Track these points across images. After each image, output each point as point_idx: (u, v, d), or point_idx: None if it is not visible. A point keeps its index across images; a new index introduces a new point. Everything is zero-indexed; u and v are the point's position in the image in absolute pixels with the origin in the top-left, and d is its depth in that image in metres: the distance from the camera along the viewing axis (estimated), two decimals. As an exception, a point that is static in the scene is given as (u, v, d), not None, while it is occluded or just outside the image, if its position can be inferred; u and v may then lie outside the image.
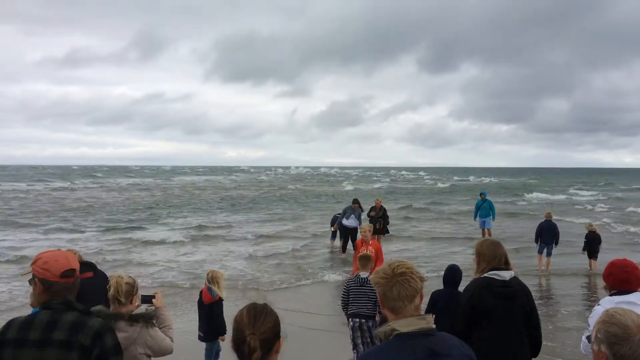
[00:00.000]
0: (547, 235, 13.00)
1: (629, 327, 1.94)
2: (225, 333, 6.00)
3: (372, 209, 15.39)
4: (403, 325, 2.14)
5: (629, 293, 3.44)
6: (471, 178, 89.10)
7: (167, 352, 3.60)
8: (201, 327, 6.12)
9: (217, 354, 6.14)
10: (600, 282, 11.16)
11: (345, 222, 14.62)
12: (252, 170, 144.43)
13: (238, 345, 2.06)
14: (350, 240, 14.48)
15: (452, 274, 5.40)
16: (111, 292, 3.54)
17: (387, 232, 15.50)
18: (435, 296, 5.33)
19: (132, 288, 3.58)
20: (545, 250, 13.06)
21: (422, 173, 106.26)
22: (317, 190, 53.37)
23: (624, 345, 1.92)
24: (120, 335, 3.32)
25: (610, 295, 3.52)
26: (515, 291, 3.66)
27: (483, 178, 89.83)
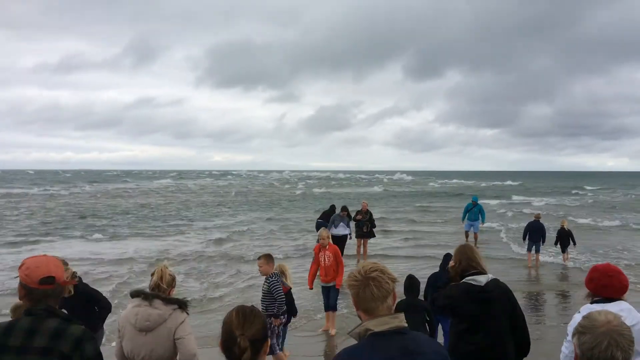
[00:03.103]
0: (535, 234, 14.16)
1: (597, 319, 2.05)
2: (297, 313, 7.21)
3: (358, 212, 15.47)
4: (376, 324, 2.18)
5: (610, 301, 3.34)
6: (455, 181, 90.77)
7: (193, 351, 3.66)
8: None
9: (284, 334, 7.03)
10: (574, 280, 11.66)
11: (334, 230, 13.81)
12: (215, 173, 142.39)
13: (228, 345, 2.11)
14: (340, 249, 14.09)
15: (410, 283, 6.21)
16: (154, 279, 3.85)
17: (374, 235, 15.63)
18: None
19: (172, 280, 3.94)
20: (534, 248, 14.25)
21: (389, 178, 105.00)
22: (267, 192, 55.76)
23: (587, 335, 2.01)
24: (154, 312, 3.64)
25: (591, 303, 3.43)
26: (493, 296, 3.66)
27: (446, 181, 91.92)
